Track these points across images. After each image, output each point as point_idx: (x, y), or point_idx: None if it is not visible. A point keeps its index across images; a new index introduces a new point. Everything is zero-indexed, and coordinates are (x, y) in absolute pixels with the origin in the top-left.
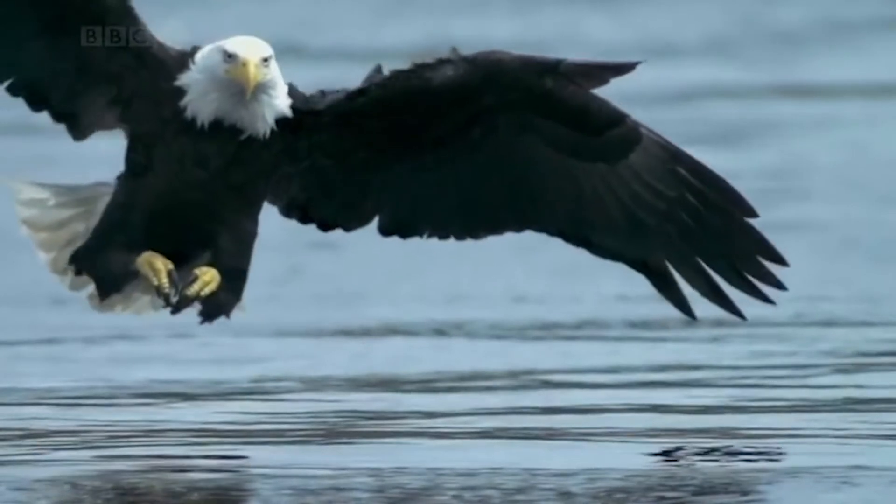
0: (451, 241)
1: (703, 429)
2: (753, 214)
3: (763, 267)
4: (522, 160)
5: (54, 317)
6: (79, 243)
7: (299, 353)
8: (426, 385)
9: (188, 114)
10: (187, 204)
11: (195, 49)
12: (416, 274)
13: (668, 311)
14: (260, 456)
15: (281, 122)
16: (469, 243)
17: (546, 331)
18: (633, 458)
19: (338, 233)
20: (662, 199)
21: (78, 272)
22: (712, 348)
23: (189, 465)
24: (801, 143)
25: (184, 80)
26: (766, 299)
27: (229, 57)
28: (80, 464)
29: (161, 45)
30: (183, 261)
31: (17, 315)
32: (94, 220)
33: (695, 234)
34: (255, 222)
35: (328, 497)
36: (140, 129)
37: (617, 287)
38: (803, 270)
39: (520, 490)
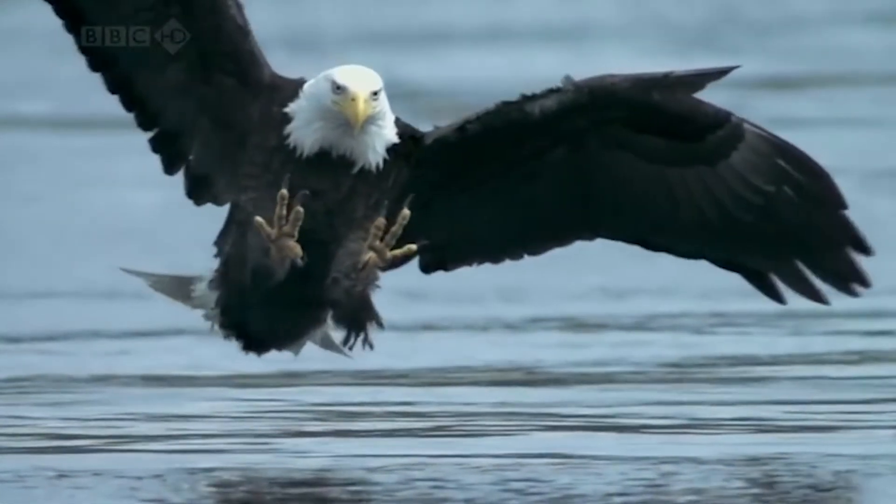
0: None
1: (695, 422)
2: (844, 206)
3: (850, 261)
4: (606, 174)
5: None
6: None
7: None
8: (409, 379)
9: (290, 142)
10: (301, 242)
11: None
12: (407, 269)
13: (655, 305)
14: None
15: (391, 150)
16: None
17: (535, 324)
18: (636, 449)
19: None
20: (760, 195)
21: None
22: (700, 341)
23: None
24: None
25: (291, 107)
26: (851, 292)
27: (338, 88)
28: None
29: (273, 74)
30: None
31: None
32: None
33: (789, 228)
34: None
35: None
36: (250, 161)
37: (601, 280)
38: None
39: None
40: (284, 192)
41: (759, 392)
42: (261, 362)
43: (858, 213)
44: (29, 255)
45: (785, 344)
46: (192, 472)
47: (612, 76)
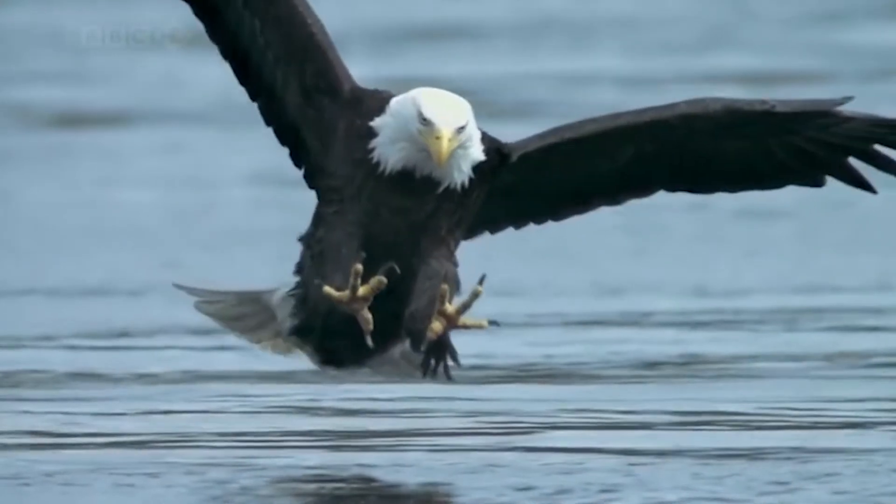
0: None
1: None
2: None
3: None
4: (677, 157)
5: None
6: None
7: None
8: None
9: (374, 157)
10: (383, 256)
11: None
12: None
13: (648, 302)
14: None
15: (476, 168)
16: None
17: (527, 321)
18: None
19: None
20: (863, 142)
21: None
22: (693, 337)
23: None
24: None
25: (377, 122)
26: None
27: (425, 120)
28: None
29: (356, 86)
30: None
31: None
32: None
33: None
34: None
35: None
36: (335, 171)
37: (593, 276)
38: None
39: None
40: (359, 267)
41: (752, 388)
42: (258, 361)
43: (859, 209)
44: (25, 252)
45: (778, 340)
46: (187, 469)
47: (713, 101)
